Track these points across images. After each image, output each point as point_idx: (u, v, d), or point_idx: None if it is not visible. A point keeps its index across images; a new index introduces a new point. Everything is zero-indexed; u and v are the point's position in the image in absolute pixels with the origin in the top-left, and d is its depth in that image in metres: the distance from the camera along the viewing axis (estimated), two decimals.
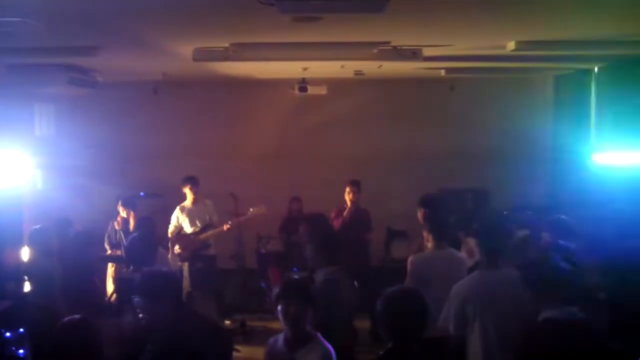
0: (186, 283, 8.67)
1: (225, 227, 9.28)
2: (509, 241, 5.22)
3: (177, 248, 9.13)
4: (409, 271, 5.86)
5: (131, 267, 5.83)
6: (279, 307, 4.16)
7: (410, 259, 5.94)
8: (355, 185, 9.17)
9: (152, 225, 7.45)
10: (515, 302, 4.57)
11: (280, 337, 4.25)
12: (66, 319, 4.04)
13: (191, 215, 9.43)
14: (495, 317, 4.73)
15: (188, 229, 9.41)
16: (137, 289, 4.59)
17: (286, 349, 4.17)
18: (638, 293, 5.49)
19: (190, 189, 9.35)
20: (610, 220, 6.17)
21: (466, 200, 10.49)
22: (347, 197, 9.05)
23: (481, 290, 4.84)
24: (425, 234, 6.07)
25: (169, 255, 8.61)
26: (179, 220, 9.46)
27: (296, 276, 4.37)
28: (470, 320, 4.83)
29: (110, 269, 8.95)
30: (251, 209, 9.32)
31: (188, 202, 9.45)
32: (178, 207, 9.50)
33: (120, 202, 9.09)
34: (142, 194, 10.30)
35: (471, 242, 6.48)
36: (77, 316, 4.04)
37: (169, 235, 9.32)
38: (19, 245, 7.02)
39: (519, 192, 10.52)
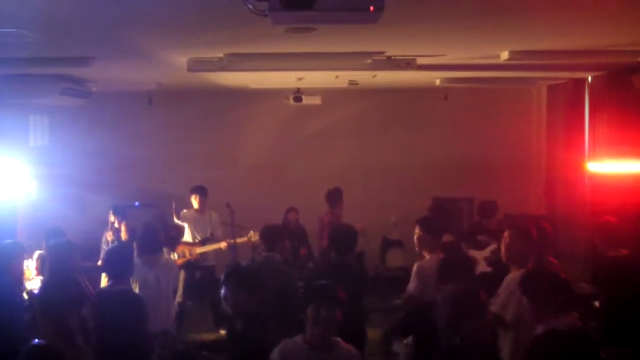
0: (180, 293, 8.63)
1: (223, 244, 9.25)
2: None
3: (173, 255, 9.11)
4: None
5: (110, 281, 5.77)
6: (308, 311, 4.04)
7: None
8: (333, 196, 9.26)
9: (155, 235, 7.24)
10: None
11: (299, 341, 4.10)
12: (29, 344, 3.93)
13: (195, 224, 9.39)
14: None
15: (188, 237, 9.40)
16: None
17: (310, 354, 4.04)
18: (630, 301, 5.51)
19: (198, 198, 9.34)
20: (600, 230, 6.18)
21: (460, 209, 10.51)
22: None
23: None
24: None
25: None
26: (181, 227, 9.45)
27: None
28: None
29: (104, 279, 8.90)
30: (251, 232, 9.32)
31: (193, 211, 9.42)
32: (182, 212, 9.42)
33: (111, 212, 9.05)
34: (136, 203, 10.28)
35: (475, 253, 6.50)
36: (40, 342, 3.94)
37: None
38: (21, 257, 6.98)
39: (514, 201, 10.54)
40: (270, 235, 6.46)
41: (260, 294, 4.46)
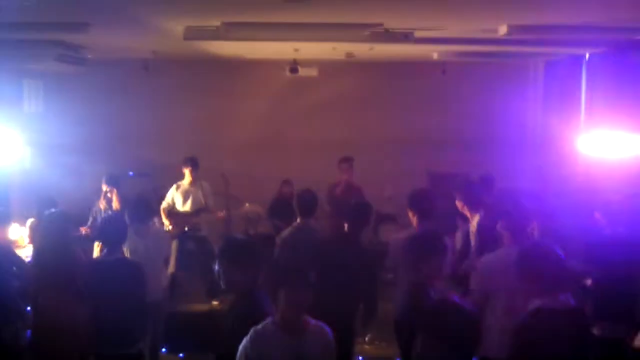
0: (172, 263, 8.64)
1: (220, 215, 9.28)
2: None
3: (167, 224, 9.11)
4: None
5: (105, 250, 5.77)
6: (281, 294, 3.93)
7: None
8: (346, 161, 9.26)
9: (146, 204, 7.26)
10: None
11: (269, 325, 3.93)
12: None
13: (186, 195, 9.39)
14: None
15: (180, 208, 9.39)
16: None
17: (282, 337, 3.90)
18: (621, 279, 5.53)
19: (190, 170, 9.33)
20: (597, 208, 6.19)
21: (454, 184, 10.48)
22: (341, 173, 9.14)
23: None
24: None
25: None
26: (174, 198, 9.44)
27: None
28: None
29: (97, 248, 8.90)
30: (248, 205, 9.29)
31: (185, 182, 9.42)
32: (174, 185, 9.45)
33: (103, 180, 9.00)
34: (131, 173, 10.25)
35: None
36: None
37: (161, 211, 9.28)
38: (8, 223, 6.97)
39: (508, 177, 10.53)
40: (306, 202, 6.49)
41: (255, 271, 4.39)
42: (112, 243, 5.67)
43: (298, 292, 3.93)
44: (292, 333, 3.93)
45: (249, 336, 3.92)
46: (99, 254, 6.10)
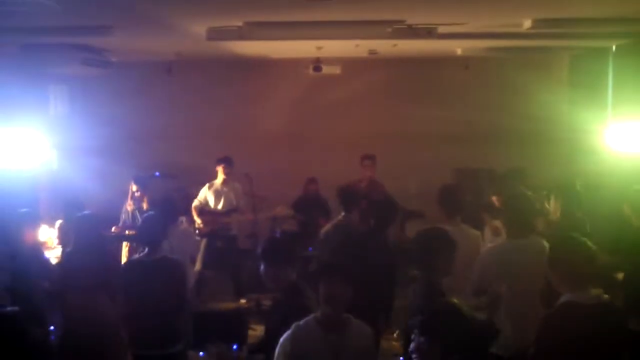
0: (199, 262, 8.68)
1: (249, 216, 9.35)
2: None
3: (198, 222, 9.15)
4: None
5: (146, 250, 5.80)
6: (320, 289, 3.93)
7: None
8: (369, 159, 9.25)
9: (172, 205, 7.32)
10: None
11: (311, 321, 3.92)
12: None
13: (218, 194, 9.45)
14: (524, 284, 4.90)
15: (212, 207, 9.44)
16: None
17: (323, 333, 3.89)
18: None
19: (223, 169, 9.39)
20: (627, 201, 6.11)
21: (481, 180, 10.41)
22: (364, 170, 9.13)
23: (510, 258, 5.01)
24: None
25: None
26: (207, 197, 9.49)
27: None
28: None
29: (125, 248, 8.98)
30: (278, 208, 9.34)
31: (218, 182, 9.48)
32: (207, 184, 9.52)
33: (132, 181, 9.08)
34: (157, 174, 10.31)
35: (497, 222, 6.45)
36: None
37: (193, 209, 9.33)
38: (37, 225, 7.04)
39: (535, 172, 10.44)
40: (349, 197, 6.49)
41: (295, 266, 4.46)
42: (151, 242, 5.70)
43: (336, 286, 3.92)
44: (333, 329, 3.91)
45: (290, 331, 3.93)
46: (137, 254, 6.13)
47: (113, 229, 8.89)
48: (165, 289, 5.45)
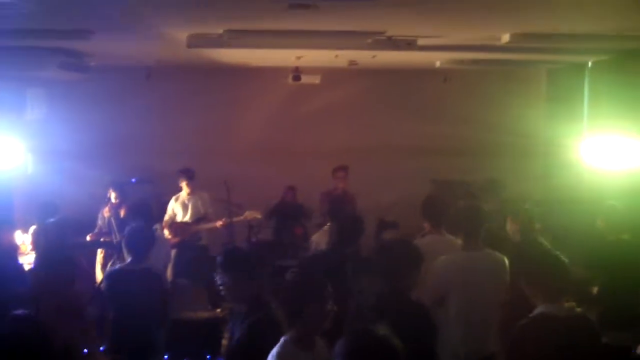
0: (170, 271, 8.64)
1: (219, 223, 9.30)
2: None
3: (167, 234, 9.11)
4: None
5: (129, 259, 5.75)
6: (308, 309, 3.69)
7: None
8: (342, 170, 9.25)
9: (148, 212, 7.27)
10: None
11: (288, 344, 3.66)
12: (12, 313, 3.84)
13: (184, 206, 9.43)
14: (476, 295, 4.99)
15: (181, 219, 9.41)
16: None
17: (302, 354, 3.68)
18: (627, 287, 5.51)
19: (187, 183, 9.36)
20: (601, 216, 6.18)
21: (458, 192, 10.46)
22: (336, 182, 9.10)
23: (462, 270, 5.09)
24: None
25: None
26: (174, 210, 9.46)
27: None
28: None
29: (100, 255, 8.89)
30: (247, 212, 9.32)
31: (184, 193, 9.46)
32: (173, 198, 9.51)
33: (111, 188, 9.00)
34: (133, 180, 10.25)
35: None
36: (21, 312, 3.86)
37: (163, 224, 9.28)
38: (12, 229, 6.98)
39: (511, 185, 10.52)
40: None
41: (260, 278, 4.32)
42: (138, 252, 5.65)
43: (323, 305, 3.74)
44: (307, 348, 3.74)
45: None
46: (116, 262, 6.10)
47: (88, 237, 8.81)
48: (144, 299, 5.42)
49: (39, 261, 6.23)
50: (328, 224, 6.52)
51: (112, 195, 8.92)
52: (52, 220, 6.28)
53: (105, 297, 5.62)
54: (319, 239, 6.36)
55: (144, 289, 5.44)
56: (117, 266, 6.07)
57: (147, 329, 5.41)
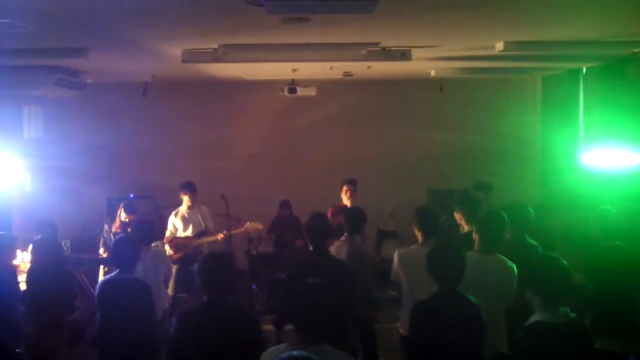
0: (171, 286, 8.64)
1: (220, 236, 9.30)
2: None
3: (169, 250, 9.10)
4: None
5: (117, 270, 5.79)
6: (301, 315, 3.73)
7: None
8: (352, 184, 9.22)
9: (151, 229, 7.29)
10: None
11: (282, 351, 3.55)
12: None
13: (185, 220, 9.42)
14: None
15: (181, 234, 9.41)
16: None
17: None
18: (620, 293, 5.52)
19: (188, 195, 9.36)
20: (595, 221, 6.18)
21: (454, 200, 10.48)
22: (345, 196, 8.97)
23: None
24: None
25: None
26: (175, 225, 9.46)
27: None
28: None
29: (102, 270, 8.89)
30: (248, 223, 9.34)
31: (183, 208, 9.45)
32: (173, 213, 9.50)
33: (122, 208, 8.96)
34: (131, 195, 10.26)
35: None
36: None
37: (164, 240, 9.27)
38: (13, 248, 6.99)
39: (508, 192, 10.53)
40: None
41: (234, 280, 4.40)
42: (123, 264, 5.70)
43: (317, 311, 3.77)
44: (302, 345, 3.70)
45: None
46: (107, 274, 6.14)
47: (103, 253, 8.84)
48: (130, 309, 5.46)
49: (28, 278, 6.26)
50: (345, 234, 6.56)
51: (123, 217, 8.87)
52: (39, 237, 6.32)
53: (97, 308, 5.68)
54: (339, 250, 6.38)
55: (130, 298, 5.50)
56: (106, 277, 6.13)
57: (134, 339, 5.42)
